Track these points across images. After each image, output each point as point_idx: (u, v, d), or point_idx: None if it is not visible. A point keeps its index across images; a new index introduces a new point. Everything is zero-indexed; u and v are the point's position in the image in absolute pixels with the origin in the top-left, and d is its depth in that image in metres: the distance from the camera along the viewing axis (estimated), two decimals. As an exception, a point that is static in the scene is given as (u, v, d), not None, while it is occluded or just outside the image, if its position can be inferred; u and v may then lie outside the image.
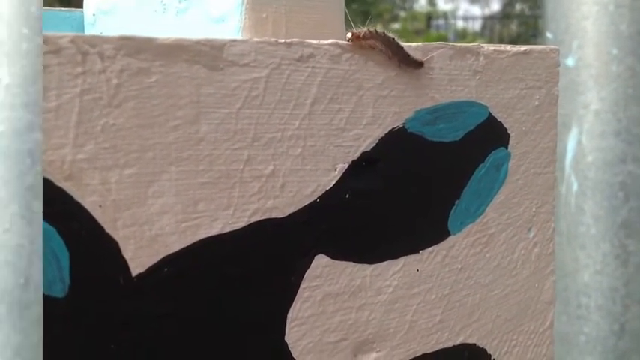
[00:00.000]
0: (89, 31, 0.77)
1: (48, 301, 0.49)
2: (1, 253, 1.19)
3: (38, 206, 1.18)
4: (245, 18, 0.56)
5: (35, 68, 1.14)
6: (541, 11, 1.38)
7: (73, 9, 0.85)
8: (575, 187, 1.27)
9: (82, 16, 0.80)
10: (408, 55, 0.55)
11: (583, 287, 1.27)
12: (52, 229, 0.47)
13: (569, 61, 1.28)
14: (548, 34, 1.32)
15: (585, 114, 1.26)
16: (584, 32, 1.27)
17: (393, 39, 0.55)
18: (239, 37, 0.57)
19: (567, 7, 1.30)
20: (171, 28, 0.65)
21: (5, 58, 1.14)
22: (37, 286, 1.19)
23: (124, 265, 0.48)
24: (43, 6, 0.66)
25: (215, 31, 0.60)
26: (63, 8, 0.87)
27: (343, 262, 0.55)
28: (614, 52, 1.25)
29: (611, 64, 1.25)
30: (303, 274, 0.54)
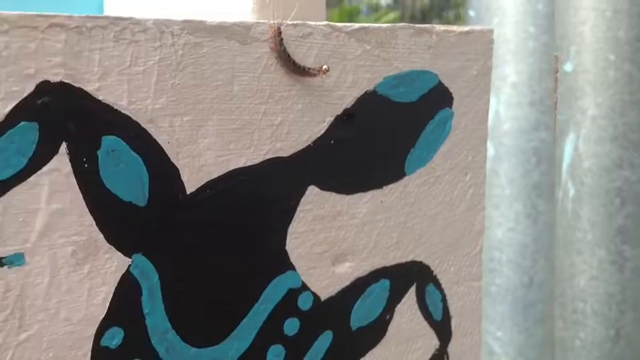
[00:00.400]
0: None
1: (133, 209, 0.41)
2: (505, 252, 1.00)
3: (543, 205, 0.97)
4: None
5: (541, 66, 0.97)
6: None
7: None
8: (571, 192, 0.95)
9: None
10: (294, 62, 0.45)
11: (579, 293, 0.96)
12: (138, 158, 0.40)
13: (567, 67, 0.94)
14: (471, 12, 1.06)
15: (582, 120, 0.94)
16: (582, 38, 0.95)
17: (284, 49, 0.45)
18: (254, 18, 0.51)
19: (565, 12, 0.98)
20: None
21: (511, 56, 0.98)
22: (541, 285, 0.99)
23: (182, 186, 0.42)
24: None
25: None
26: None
27: (328, 192, 0.48)
28: (612, 58, 0.93)
29: (609, 70, 0.93)
30: (300, 200, 0.47)
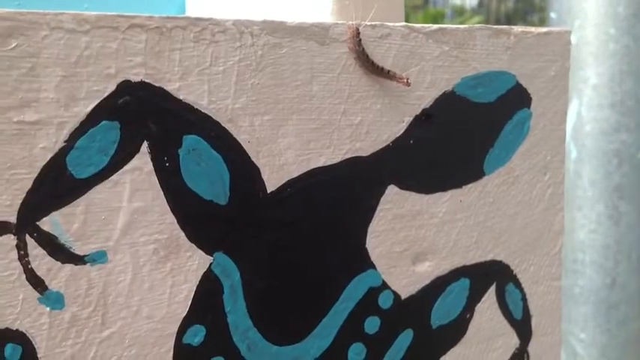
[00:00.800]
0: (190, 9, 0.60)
1: (215, 207, 0.35)
2: (587, 253, 0.90)
3: (625, 207, 0.88)
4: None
5: (621, 68, 0.87)
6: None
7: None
8: (574, 154, 0.90)
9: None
10: (373, 63, 0.39)
11: (579, 244, 0.90)
12: (219, 157, 0.35)
13: (572, 40, 0.83)
14: (552, 14, 0.96)
15: (584, 88, 0.88)
16: (585, 13, 0.88)
17: (363, 50, 0.38)
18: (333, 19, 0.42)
19: None
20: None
21: (592, 58, 0.89)
22: (624, 286, 0.90)
23: (262, 185, 0.37)
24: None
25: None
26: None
27: (407, 191, 0.41)
28: (612, 31, 0.86)
29: (609, 42, 0.86)
30: (379, 199, 0.40)
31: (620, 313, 0.89)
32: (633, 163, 0.87)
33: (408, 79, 0.39)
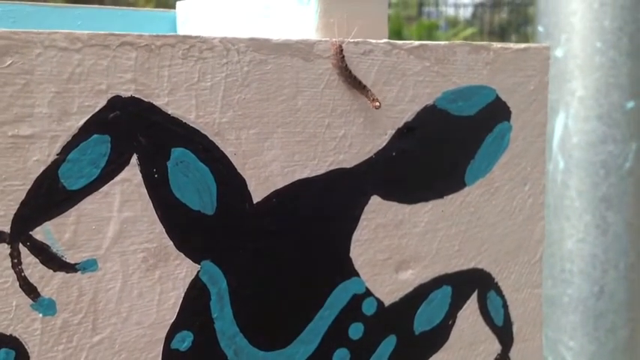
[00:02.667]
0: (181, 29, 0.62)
1: (202, 217, 0.36)
2: (576, 262, 0.92)
3: (612, 217, 0.90)
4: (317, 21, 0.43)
5: (607, 81, 0.89)
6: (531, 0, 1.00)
7: (168, 9, 0.63)
8: (561, 165, 0.91)
9: (175, 16, 0.62)
10: (355, 78, 0.40)
11: (567, 254, 0.92)
12: (206, 169, 0.36)
13: (558, 53, 0.91)
14: (540, 28, 0.98)
15: (571, 100, 0.90)
16: (572, 27, 0.90)
17: (346, 66, 0.39)
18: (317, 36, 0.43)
19: (557, 3, 0.93)
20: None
21: (578, 71, 0.91)
22: (612, 295, 0.91)
23: (248, 196, 0.38)
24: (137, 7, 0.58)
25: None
26: (160, 9, 0.64)
27: (390, 201, 0.42)
28: (598, 45, 0.88)
29: (595, 55, 0.89)
30: (363, 209, 0.41)
31: (608, 321, 0.90)
32: (620, 174, 0.89)
33: (378, 101, 0.40)
